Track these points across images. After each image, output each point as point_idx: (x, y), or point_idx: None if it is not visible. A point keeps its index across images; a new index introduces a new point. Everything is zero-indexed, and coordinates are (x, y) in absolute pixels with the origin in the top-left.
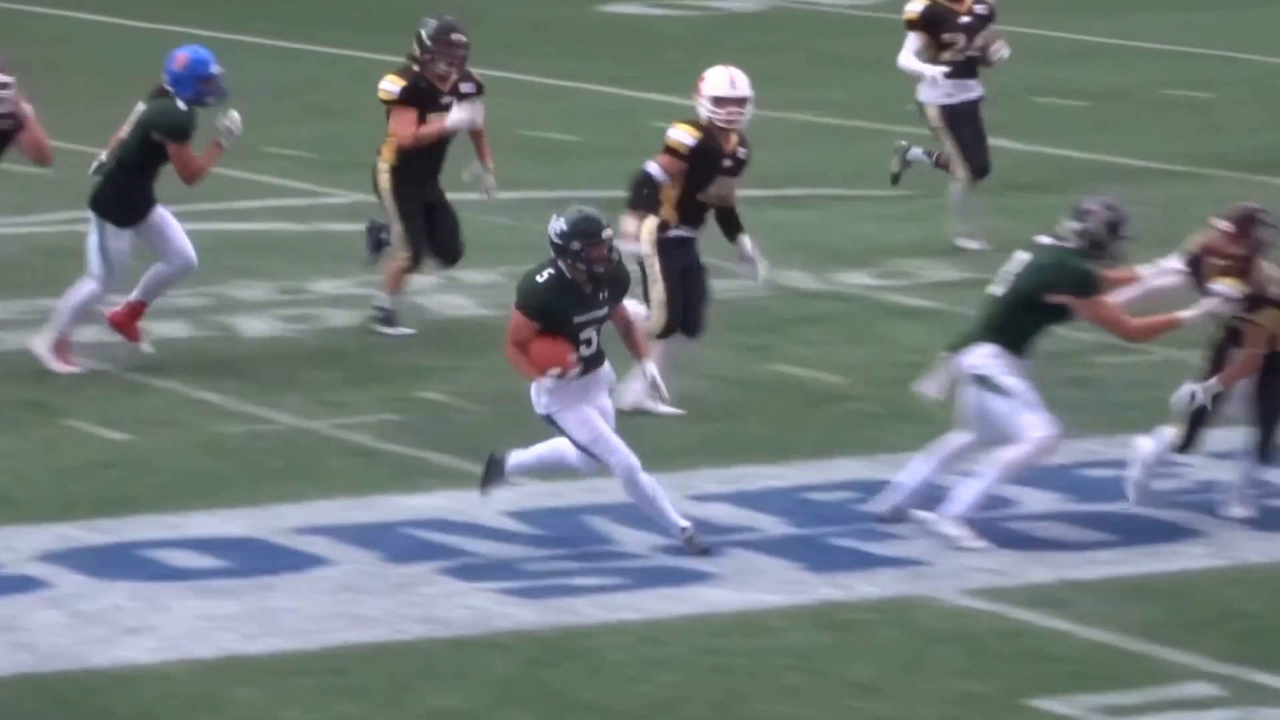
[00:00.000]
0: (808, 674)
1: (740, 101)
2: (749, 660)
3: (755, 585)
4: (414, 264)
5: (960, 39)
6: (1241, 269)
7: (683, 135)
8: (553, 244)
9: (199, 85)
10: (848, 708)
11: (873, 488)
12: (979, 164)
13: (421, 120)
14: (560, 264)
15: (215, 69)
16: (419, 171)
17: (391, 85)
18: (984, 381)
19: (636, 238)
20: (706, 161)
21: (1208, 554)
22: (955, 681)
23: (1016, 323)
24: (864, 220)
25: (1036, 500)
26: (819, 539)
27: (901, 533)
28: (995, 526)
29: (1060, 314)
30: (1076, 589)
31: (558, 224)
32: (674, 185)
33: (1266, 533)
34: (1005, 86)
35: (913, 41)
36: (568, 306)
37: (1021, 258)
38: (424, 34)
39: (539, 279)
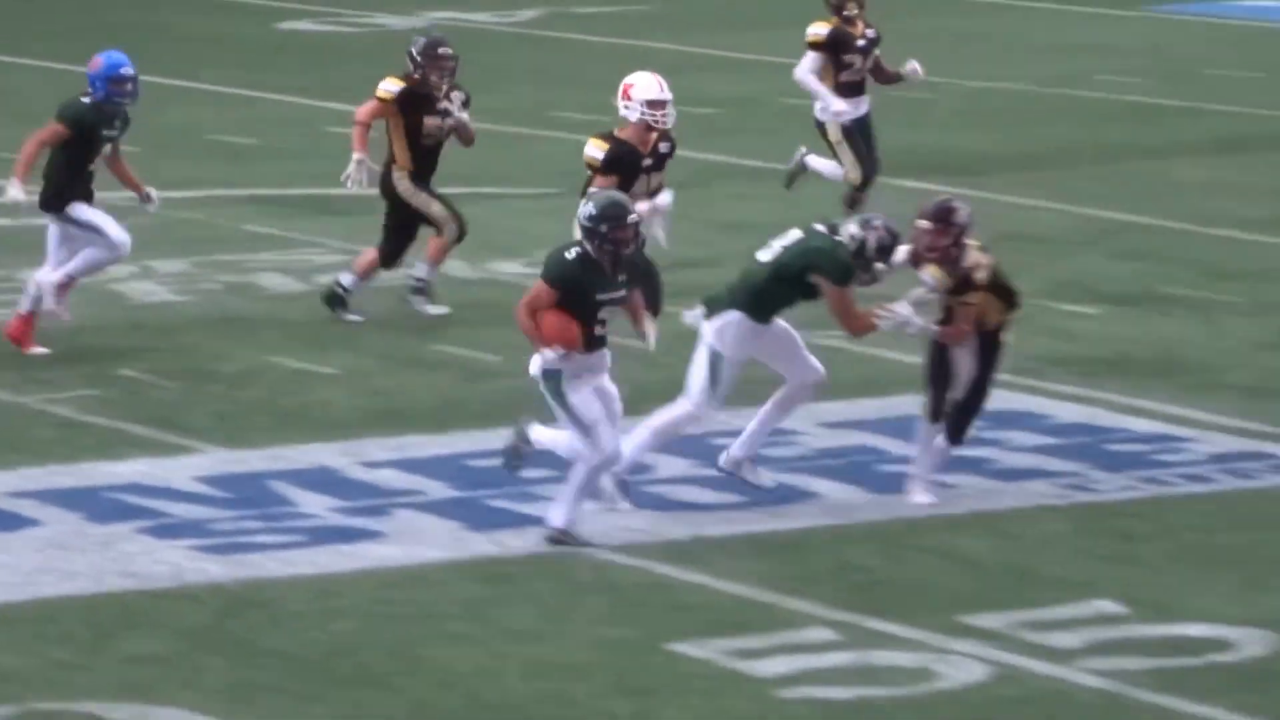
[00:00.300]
0: (471, 621)
1: (665, 104)
2: (418, 609)
3: (421, 542)
4: (459, 238)
5: (857, 60)
6: (949, 258)
7: (594, 150)
8: (582, 227)
9: (109, 86)
10: (507, 651)
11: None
12: (870, 173)
13: (419, 122)
14: (588, 245)
15: (126, 71)
16: (425, 172)
17: (390, 85)
18: (711, 350)
19: None
20: (626, 167)
21: (824, 513)
22: (603, 628)
23: (772, 291)
24: (515, 216)
25: (672, 466)
26: (478, 500)
27: (551, 494)
28: (637, 490)
29: (809, 293)
30: (710, 545)
31: (587, 208)
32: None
33: (877, 495)
34: None
35: (813, 61)
36: (591, 284)
37: (794, 234)
38: (414, 50)
39: (567, 255)
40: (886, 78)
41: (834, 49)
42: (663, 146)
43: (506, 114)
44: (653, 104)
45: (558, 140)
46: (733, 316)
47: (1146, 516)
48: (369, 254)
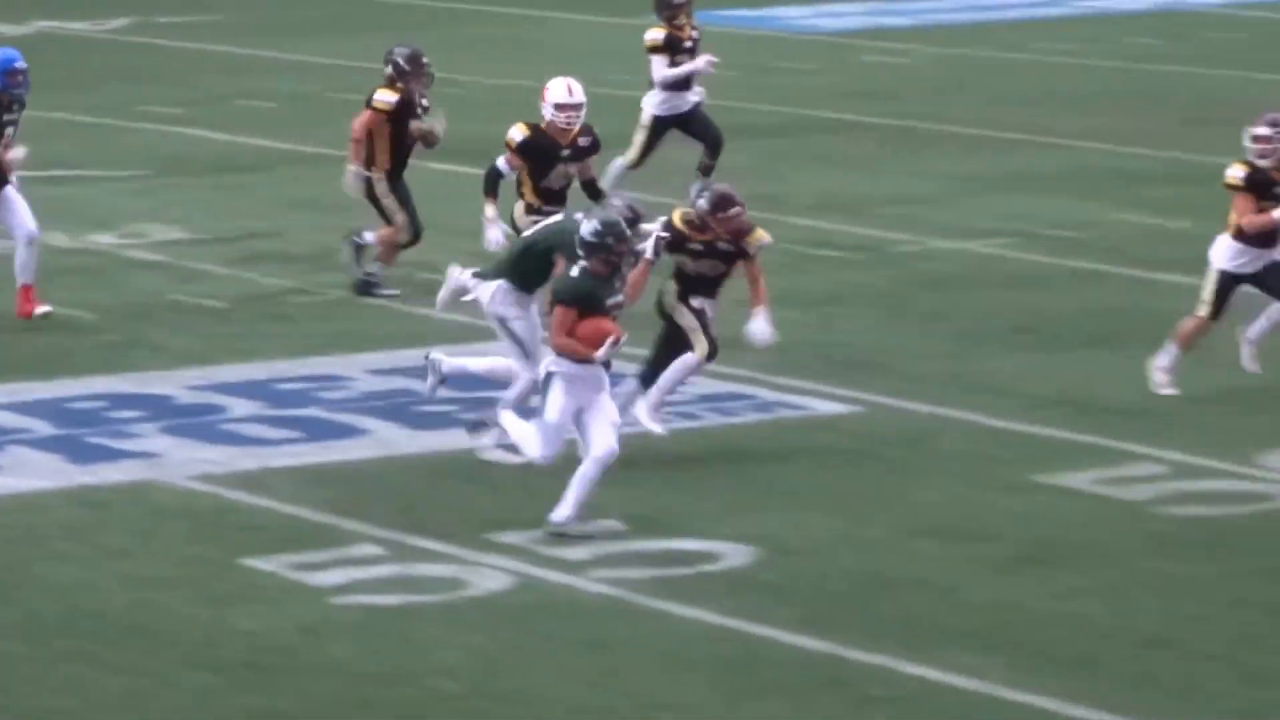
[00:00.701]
0: (73, 542)
1: (577, 106)
2: (26, 532)
3: (29, 474)
4: (414, 240)
5: (686, 59)
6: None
7: (514, 132)
8: (586, 243)
9: (4, 79)
10: (104, 567)
11: (120, 400)
12: (717, 140)
13: (404, 129)
14: (590, 260)
15: (20, 65)
16: (399, 173)
17: (387, 97)
18: (500, 321)
19: (494, 219)
20: (541, 154)
21: (373, 447)
22: (185, 546)
23: (524, 267)
24: (109, 195)
25: (243, 407)
26: (78, 438)
27: (141, 432)
28: (211, 428)
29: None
30: (276, 475)
31: (591, 225)
32: (525, 175)
33: (415, 431)
34: (210, 91)
35: (659, 63)
36: (600, 294)
37: (556, 217)
38: (399, 61)
39: (573, 275)
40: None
41: (670, 50)
42: (583, 140)
43: (101, 109)
44: (560, 106)
45: (145, 131)
46: (503, 285)
47: (647, 448)
48: (387, 240)
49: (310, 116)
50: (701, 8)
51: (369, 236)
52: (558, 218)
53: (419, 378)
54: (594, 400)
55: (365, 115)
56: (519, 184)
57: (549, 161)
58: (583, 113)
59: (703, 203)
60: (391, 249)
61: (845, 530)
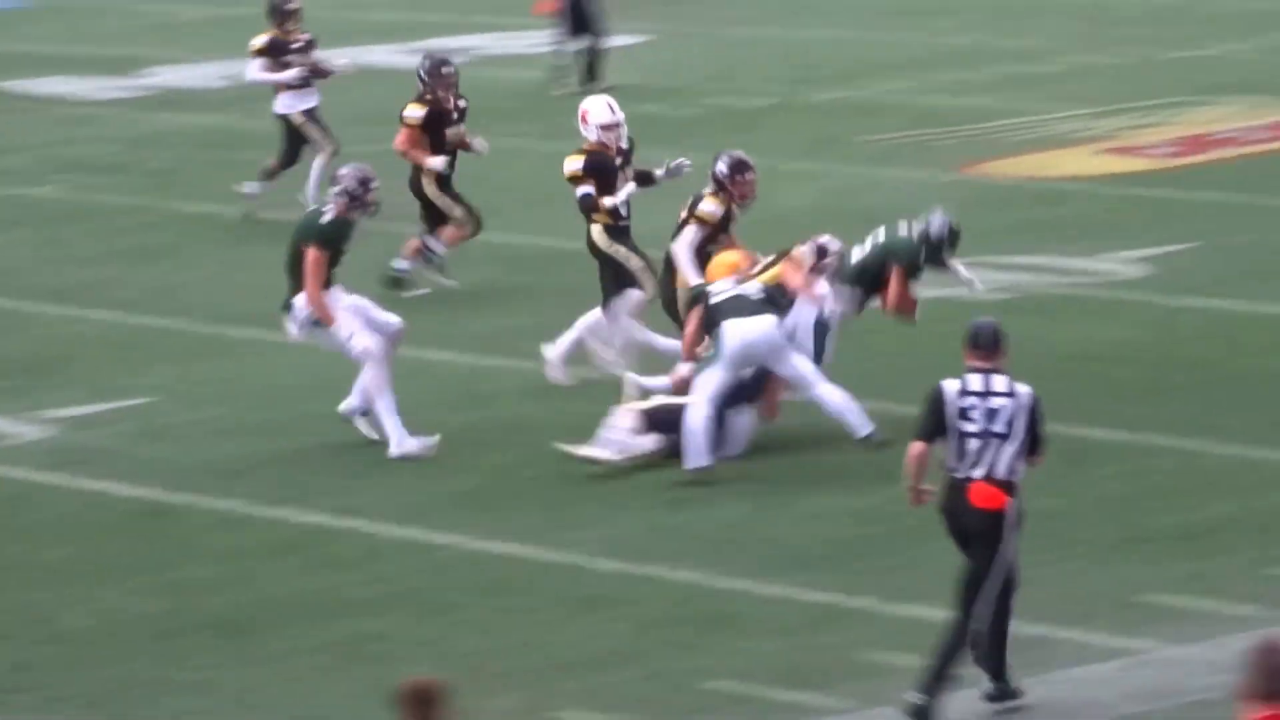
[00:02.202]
0: None
1: (617, 124)
2: None
3: None
4: (475, 232)
5: (295, 59)
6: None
7: (572, 165)
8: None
9: None
10: None
11: None
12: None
13: (442, 135)
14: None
15: None
16: (447, 177)
17: (414, 111)
18: (315, 323)
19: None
20: (604, 169)
21: None
22: None
23: (296, 266)
24: None
25: None
26: None
27: None
28: None
29: (332, 259)
30: None
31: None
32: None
33: None
34: None
35: (257, 65)
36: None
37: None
38: (421, 72)
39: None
40: (322, 73)
41: (273, 52)
42: (623, 144)
43: None
44: (605, 127)
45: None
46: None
47: None
48: (453, 233)
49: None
50: None
51: (438, 246)
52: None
53: None
54: None
55: (401, 132)
56: (590, 210)
57: (611, 175)
58: (624, 127)
59: (722, 166)
60: (457, 237)
61: None
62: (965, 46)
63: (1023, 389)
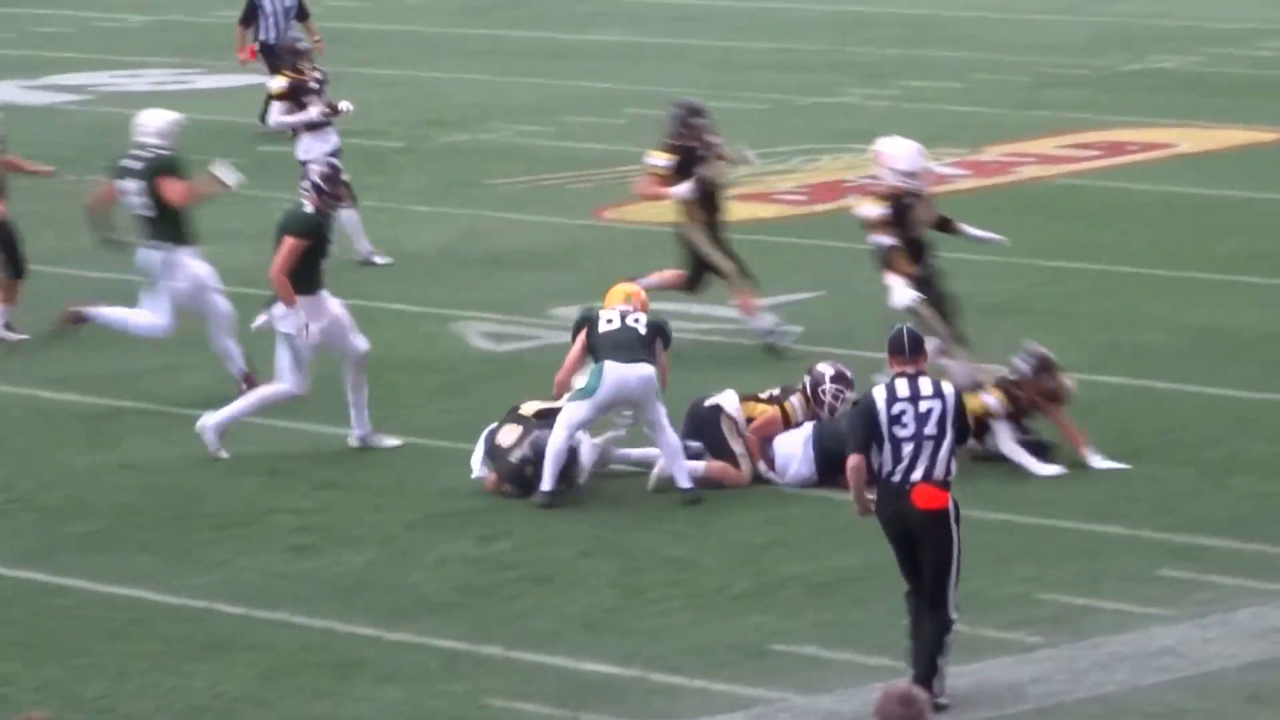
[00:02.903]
0: None
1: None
2: None
3: None
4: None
5: (312, 99)
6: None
7: (870, 210)
8: None
9: None
10: None
11: None
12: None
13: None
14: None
15: None
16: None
17: (660, 160)
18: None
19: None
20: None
21: None
22: None
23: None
24: None
25: None
26: None
27: None
28: None
29: (312, 251)
30: None
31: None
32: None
33: None
34: None
35: (280, 109)
36: None
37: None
38: (674, 121)
39: None
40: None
41: (294, 96)
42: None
43: None
44: (909, 174)
45: None
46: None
47: None
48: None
49: None
50: None
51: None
52: None
53: None
54: None
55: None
56: (891, 260)
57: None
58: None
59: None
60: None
61: None
62: (600, 91)
63: (948, 388)
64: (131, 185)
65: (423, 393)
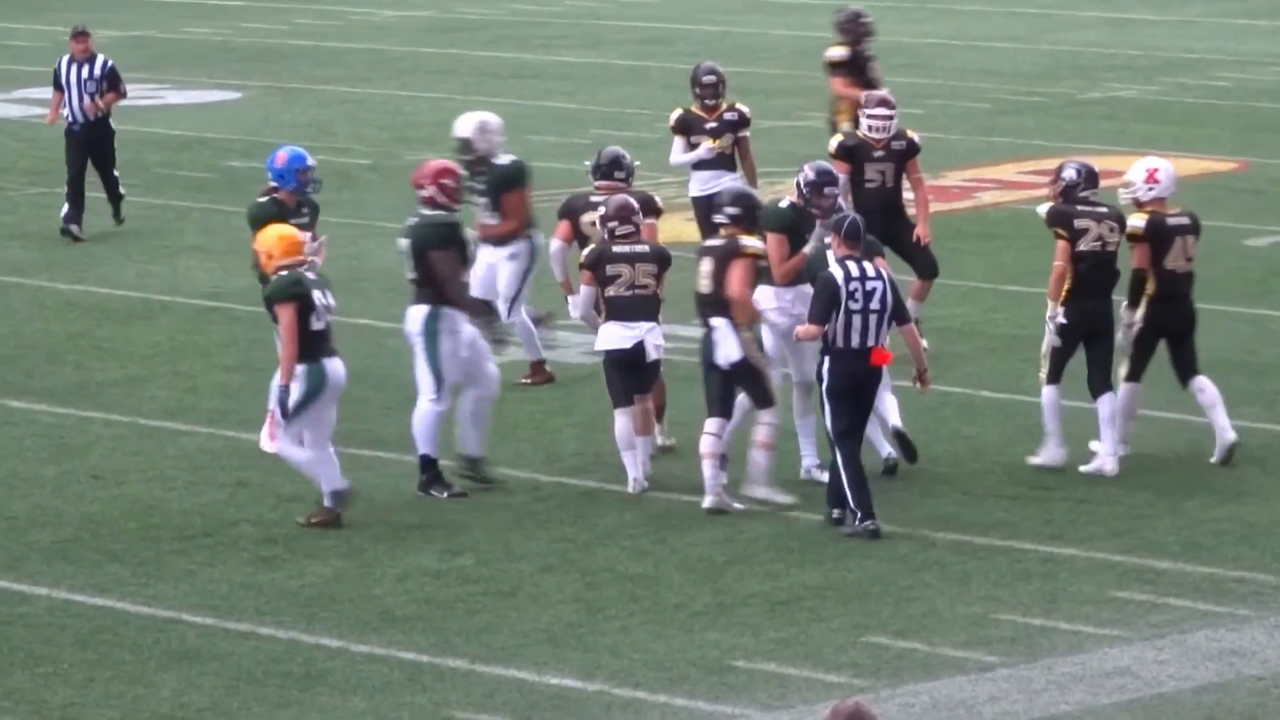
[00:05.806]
0: None
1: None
2: None
3: None
4: None
5: (705, 139)
6: None
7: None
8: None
9: (295, 178)
10: None
11: None
12: None
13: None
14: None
15: (310, 164)
16: None
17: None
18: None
19: None
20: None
21: None
22: None
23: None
24: None
25: None
26: None
27: None
28: None
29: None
30: None
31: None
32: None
33: None
34: None
35: (680, 144)
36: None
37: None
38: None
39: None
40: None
41: (685, 130)
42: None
43: None
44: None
45: None
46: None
47: None
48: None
49: None
50: None
51: None
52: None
53: None
54: None
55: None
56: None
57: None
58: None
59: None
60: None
61: None
62: (564, 111)
63: (885, 270)
64: None
65: (388, 407)
